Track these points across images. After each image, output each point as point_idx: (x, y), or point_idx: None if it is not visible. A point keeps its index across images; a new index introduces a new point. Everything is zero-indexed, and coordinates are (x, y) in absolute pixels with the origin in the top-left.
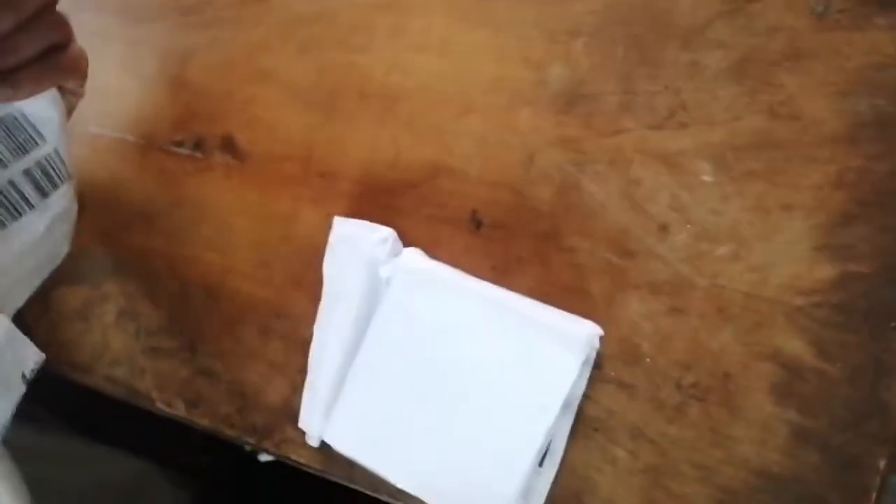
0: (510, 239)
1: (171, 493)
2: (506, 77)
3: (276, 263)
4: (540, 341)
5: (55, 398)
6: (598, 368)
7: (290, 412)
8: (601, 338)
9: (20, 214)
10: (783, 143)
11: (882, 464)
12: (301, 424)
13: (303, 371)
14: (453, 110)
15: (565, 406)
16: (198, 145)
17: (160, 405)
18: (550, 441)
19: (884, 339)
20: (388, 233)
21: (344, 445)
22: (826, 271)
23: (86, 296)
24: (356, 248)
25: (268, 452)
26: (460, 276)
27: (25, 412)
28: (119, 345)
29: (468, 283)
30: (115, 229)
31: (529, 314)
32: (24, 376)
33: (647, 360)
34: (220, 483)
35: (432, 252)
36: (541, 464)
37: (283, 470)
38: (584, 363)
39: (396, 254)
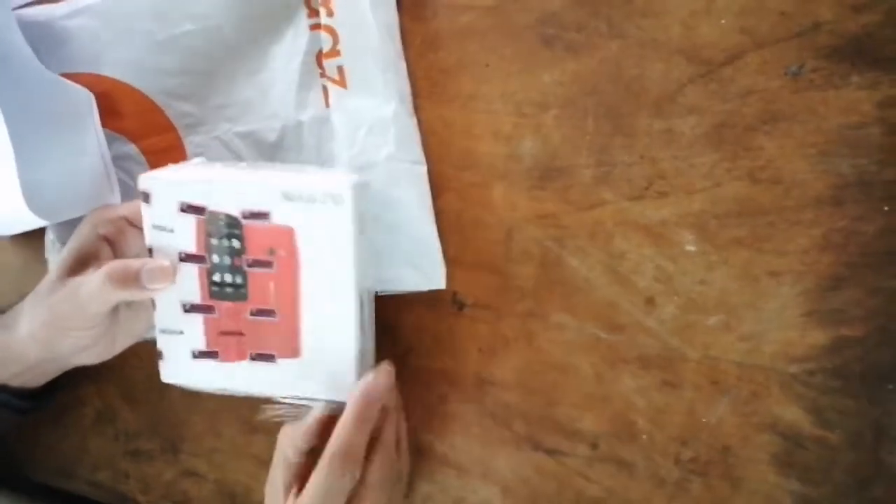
0: (495, 319)
1: None
2: (476, 152)
3: None
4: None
5: None
6: (595, 448)
7: None
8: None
9: None
10: (766, 209)
11: None
12: None
13: None
14: None
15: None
16: None
17: None
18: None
19: (882, 403)
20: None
21: None
22: (818, 337)
23: (60, 400)
24: None
25: None
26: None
27: None
28: (99, 448)
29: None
30: None
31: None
32: None
33: (644, 436)
34: None
35: (417, 336)
36: None
37: None
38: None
39: None
